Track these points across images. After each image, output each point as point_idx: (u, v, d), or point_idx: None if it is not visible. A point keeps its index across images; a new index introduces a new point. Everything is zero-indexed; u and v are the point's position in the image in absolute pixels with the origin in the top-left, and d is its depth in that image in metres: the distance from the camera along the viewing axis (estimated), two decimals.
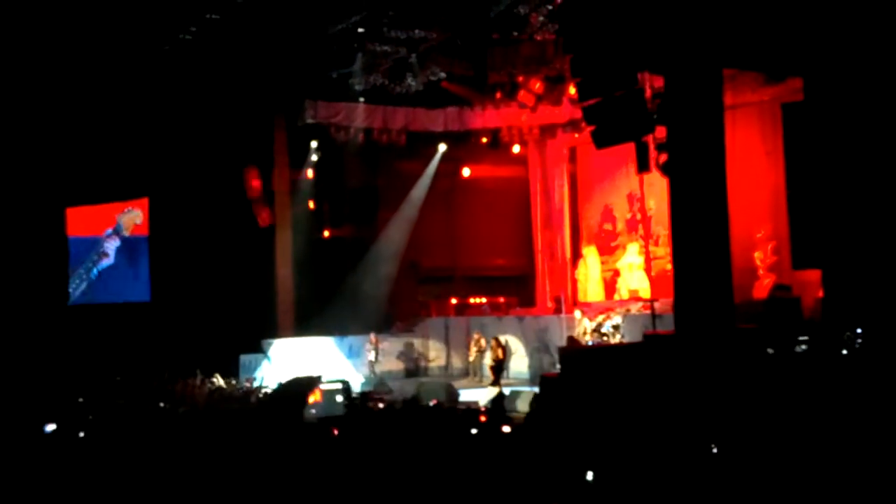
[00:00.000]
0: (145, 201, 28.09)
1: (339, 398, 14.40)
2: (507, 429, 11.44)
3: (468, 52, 21.59)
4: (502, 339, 21.59)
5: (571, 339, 20.05)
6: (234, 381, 20.67)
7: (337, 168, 26.25)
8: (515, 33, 20.28)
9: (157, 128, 25.36)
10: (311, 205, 26.25)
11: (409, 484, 6.99)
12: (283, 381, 16.07)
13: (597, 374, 15.24)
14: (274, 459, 7.10)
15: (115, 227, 27.81)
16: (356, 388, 20.96)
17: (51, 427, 10.05)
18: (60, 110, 24.51)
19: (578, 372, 16.07)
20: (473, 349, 22.88)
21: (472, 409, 13.14)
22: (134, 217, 27.35)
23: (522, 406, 17.02)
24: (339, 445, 8.32)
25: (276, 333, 24.86)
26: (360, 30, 20.45)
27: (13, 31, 21.06)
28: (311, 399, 14.31)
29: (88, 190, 28.27)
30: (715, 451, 7.69)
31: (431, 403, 16.00)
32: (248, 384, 20.21)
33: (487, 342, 22.45)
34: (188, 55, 22.58)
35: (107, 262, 27.85)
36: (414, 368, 25.29)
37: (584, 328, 20.42)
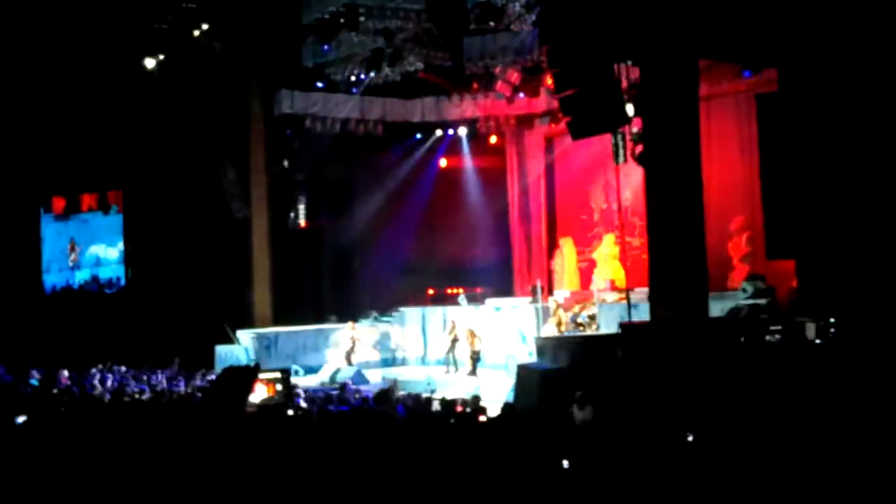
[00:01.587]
0: (119, 193, 28.15)
1: (279, 387, 14.64)
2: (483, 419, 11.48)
3: (445, 42, 21.58)
4: (477, 329, 21.64)
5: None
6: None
7: (314, 158, 26.19)
8: (492, 23, 20.28)
9: (133, 119, 25.25)
10: (288, 195, 26.20)
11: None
12: (219, 372, 15.95)
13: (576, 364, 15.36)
14: (218, 452, 7.04)
15: None
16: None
17: (21, 418, 9.94)
18: (35, 103, 24.37)
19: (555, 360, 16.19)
20: (448, 338, 22.90)
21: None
22: None
23: (499, 394, 17.12)
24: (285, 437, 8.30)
25: (252, 324, 24.83)
26: (340, 20, 20.41)
27: None
28: (264, 394, 14.38)
29: (64, 181, 28.17)
30: (690, 439, 7.78)
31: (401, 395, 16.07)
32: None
33: (463, 332, 22.49)
34: (164, 45, 22.49)
35: None
36: (391, 358, 25.32)
37: (559, 318, 20.50)
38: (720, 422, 9.05)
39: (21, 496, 6.54)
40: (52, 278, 28.55)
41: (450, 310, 24.29)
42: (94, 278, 28.00)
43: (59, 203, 28.98)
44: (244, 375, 7.06)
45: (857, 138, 14.42)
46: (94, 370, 18.61)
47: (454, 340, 22.55)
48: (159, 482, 6.77)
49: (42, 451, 7.60)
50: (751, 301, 16.80)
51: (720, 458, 7.14)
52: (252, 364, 17.43)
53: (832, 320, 12.90)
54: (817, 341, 12.64)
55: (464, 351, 21.76)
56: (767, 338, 13.03)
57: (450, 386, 19.23)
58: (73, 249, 28.43)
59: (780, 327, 13.15)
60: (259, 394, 13.71)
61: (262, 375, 13.87)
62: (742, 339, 13.13)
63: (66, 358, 19.54)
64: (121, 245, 27.82)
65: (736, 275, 20.17)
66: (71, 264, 28.55)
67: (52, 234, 28.60)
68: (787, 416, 9.10)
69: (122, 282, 27.61)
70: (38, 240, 28.93)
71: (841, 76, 14.37)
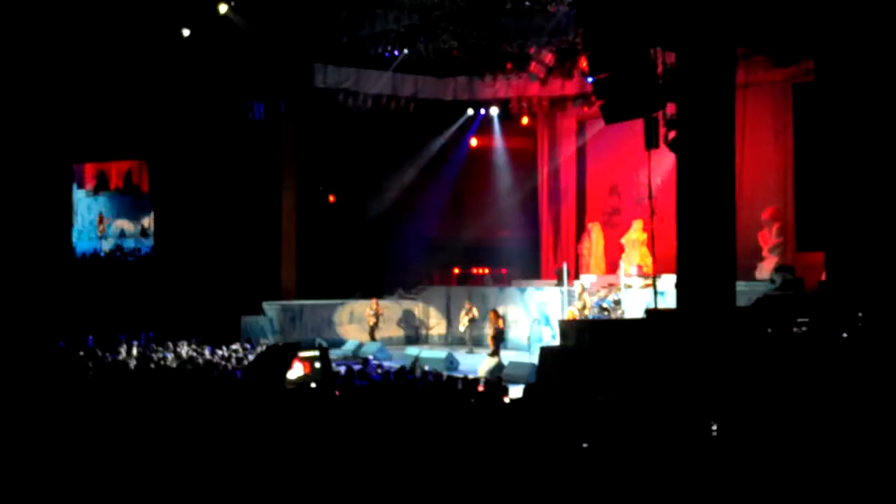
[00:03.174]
0: (143, 172, 29.36)
1: (318, 365, 14.70)
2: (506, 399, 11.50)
3: (480, 20, 21.44)
4: (501, 310, 21.66)
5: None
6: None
7: (345, 133, 26.22)
8: (528, 3, 20.15)
9: (166, 88, 25.32)
10: (318, 169, 26.31)
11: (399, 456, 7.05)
12: (262, 349, 16.13)
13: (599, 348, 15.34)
14: (256, 427, 7.12)
15: None
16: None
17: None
18: (71, 71, 24.48)
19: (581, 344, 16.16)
20: (465, 318, 22.93)
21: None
22: None
23: (521, 375, 17.13)
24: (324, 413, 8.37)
25: (279, 296, 24.97)
26: None
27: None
28: (301, 371, 14.42)
29: (95, 147, 28.45)
30: (715, 430, 7.76)
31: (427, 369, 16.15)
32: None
33: (481, 312, 22.52)
34: (198, 16, 22.47)
35: None
36: (414, 336, 25.41)
37: (584, 302, 20.47)
38: (745, 412, 9.01)
39: (54, 458, 6.65)
40: (83, 245, 30.77)
41: (473, 289, 24.34)
42: (119, 247, 30.36)
43: (90, 182, 31.96)
44: (285, 353, 7.17)
45: (893, 132, 14.24)
46: (121, 336, 18.79)
47: (472, 320, 22.61)
48: (183, 450, 6.85)
49: (73, 414, 7.70)
50: (779, 292, 16.69)
51: (744, 449, 7.13)
52: (292, 342, 17.55)
53: (860, 314, 12.79)
54: (844, 335, 12.55)
55: (484, 331, 21.81)
56: (794, 330, 12.95)
57: (472, 365, 19.27)
58: (101, 222, 31.34)
59: (807, 319, 13.06)
60: (296, 371, 13.82)
61: (301, 354, 13.99)
62: (769, 330, 13.05)
63: (93, 323, 19.77)
64: (142, 219, 30.16)
65: (765, 265, 20.03)
66: (99, 234, 31.40)
67: (84, 208, 31.61)
68: (812, 409, 9.05)
69: (143, 252, 29.36)
70: (70, 208, 29.70)
71: (878, 69, 14.18)
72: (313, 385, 12.28)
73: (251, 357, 17.01)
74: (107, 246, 30.67)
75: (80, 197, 31.48)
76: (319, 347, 16.11)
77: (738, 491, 6.48)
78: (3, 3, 21.34)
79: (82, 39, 23.33)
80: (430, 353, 20.53)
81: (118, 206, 31.23)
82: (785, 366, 11.43)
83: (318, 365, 14.69)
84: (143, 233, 30.10)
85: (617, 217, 25.27)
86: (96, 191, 31.87)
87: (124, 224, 30.88)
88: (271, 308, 23.96)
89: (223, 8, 21.40)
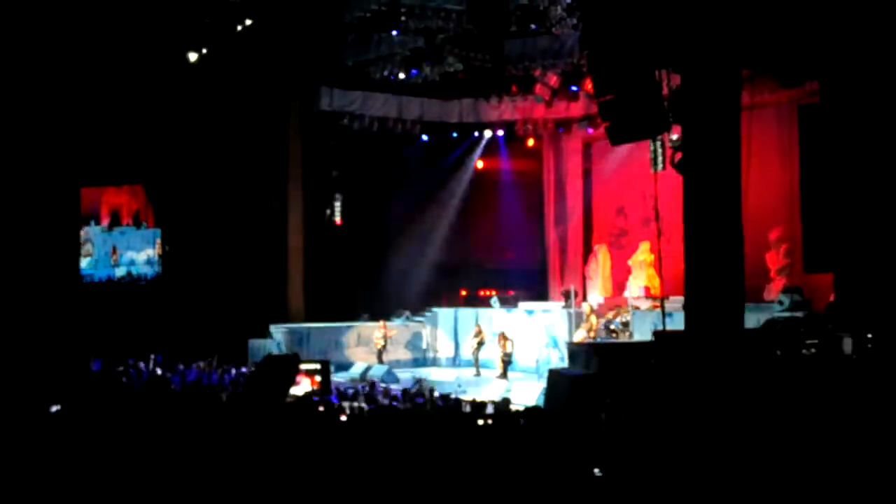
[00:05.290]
0: (149, 211, 30.84)
1: (318, 378, 14.64)
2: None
3: (485, 43, 21.54)
4: (509, 333, 21.61)
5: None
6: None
7: (351, 156, 26.27)
8: (533, 26, 20.23)
9: (172, 111, 25.39)
10: (325, 192, 26.33)
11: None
12: (260, 361, 15.94)
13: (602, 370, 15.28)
14: (259, 443, 7.07)
15: None
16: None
17: (55, 408, 10.02)
18: (80, 93, 24.56)
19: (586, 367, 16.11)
20: (474, 341, 22.89)
21: None
22: None
23: (530, 398, 17.08)
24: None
25: (286, 319, 24.94)
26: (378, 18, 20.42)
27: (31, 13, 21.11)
28: (308, 386, 14.29)
29: (102, 171, 28.54)
30: (721, 452, 7.71)
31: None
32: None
33: (491, 335, 22.47)
34: (204, 40, 22.59)
35: None
36: (422, 358, 25.36)
37: (591, 324, 20.42)
38: (754, 435, 8.96)
39: (57, 484, 6.62)
40: (99, 273, 33.51)
41: (481, 312, 24.29)
42: (129, 273, 32.82)
43: (105, 219, 35.23)
44: (286, 365, 7.07)
45: None
46: (129, 360, 18.78)
47: (480, 343, 22.57)
48: (193, 471, 6.82)
49: (78, 439, 7.67)
50: (787, 314, 16.63)
51: (754, 472, 7.08)
52: (290, 354, 17.50)
53: (869, 335, 12.73)
54: (854, 356, 12.49)
55: (492, 354, 21.73)
56: (804, 351, 12.89)
57: (480, 388, 19.22)
58: (114, 253, 34.65)
59: (816, 341, 13.01)
60: (303, 387, 13.74)
61: (303, 367, 13.93)
62: (778, 351, 13.00)
63: (101, 347, 19.74)
64: (149, 250, 32.86)
65: (773, 287, 19.96)
66: (113, 264, 34.46)
67: (100, 242, 35.03)
68: (821, 431, 8.99)
69: (148, 277, 31.42)
70: (78, 233, 30.05)
71: (883, 89, 14.18)
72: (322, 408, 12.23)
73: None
74: (119, 273, 33.31)
75: (96, 232, 34.91)
76: (320, 361, 16.05)
77: None
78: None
79: (83, 68, 23.41)
80: (439, 376, 20.49)
81: (129, 239, 34.36)
82: (794, 388, 11.38)
83: (318, 378, 14.66)
84: (149, 262, 32.67)
85: (624, 238, 25.25)
86: (110, 227, 35.16)
87: (134, 255, 33.89)
88: (278, 331, 23.94)
89: (192, 56, 21.69)
